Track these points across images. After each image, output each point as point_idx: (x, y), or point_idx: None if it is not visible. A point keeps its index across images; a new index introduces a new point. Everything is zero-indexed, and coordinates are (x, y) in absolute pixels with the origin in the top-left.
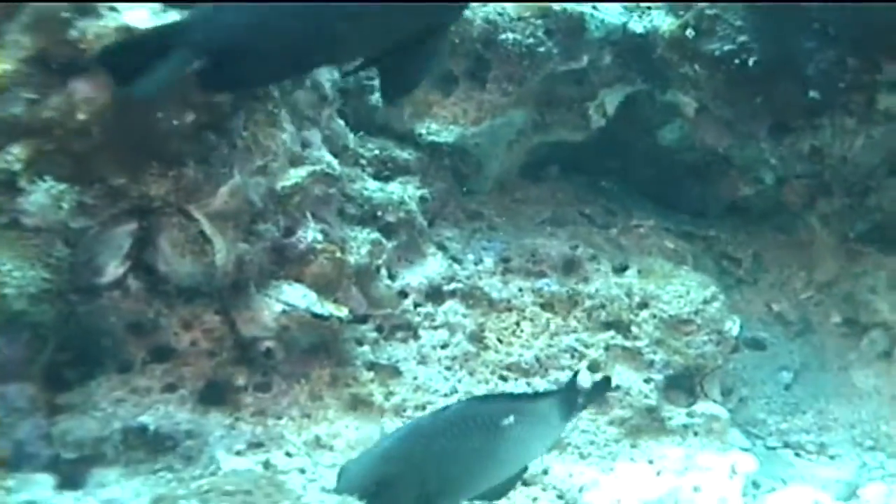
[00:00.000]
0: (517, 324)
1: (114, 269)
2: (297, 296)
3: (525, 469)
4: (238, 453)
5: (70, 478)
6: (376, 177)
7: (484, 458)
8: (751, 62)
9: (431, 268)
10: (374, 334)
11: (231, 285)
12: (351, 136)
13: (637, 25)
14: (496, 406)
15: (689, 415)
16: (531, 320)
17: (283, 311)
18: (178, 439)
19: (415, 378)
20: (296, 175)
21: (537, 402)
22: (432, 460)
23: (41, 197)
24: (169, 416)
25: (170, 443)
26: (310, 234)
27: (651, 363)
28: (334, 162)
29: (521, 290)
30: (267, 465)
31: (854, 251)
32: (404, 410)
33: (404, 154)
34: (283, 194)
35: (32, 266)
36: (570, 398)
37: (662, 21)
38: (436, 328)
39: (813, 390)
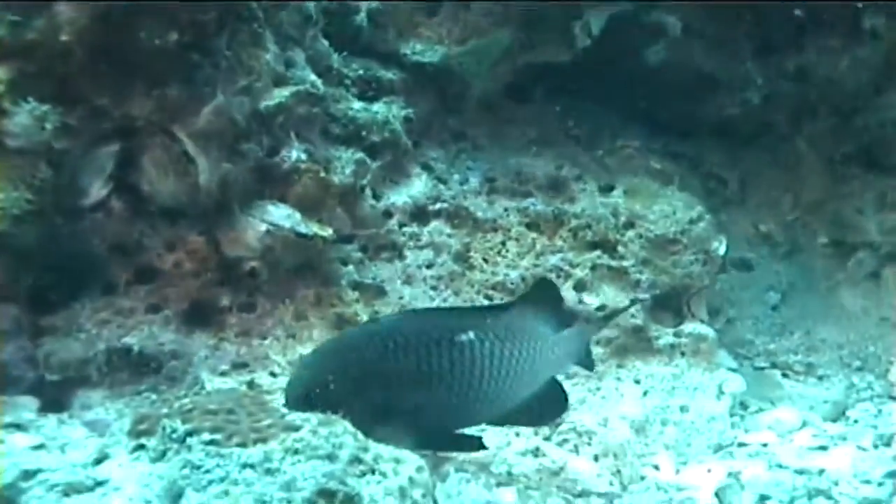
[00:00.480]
0: (503, 243)
1: (97, 191)
2: (281, 216)
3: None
4: (222, 374)
5: (54, 400)
6: (361, 97)
7: (438, 376)
8: None
9: (416, 188)
10: (359, 254)
11: (215, 205)
12: (335, 56)
13: None
14: (449, 320)
15: (676, 335)
16: (517, 240)
17: (268, 232)
18: (163, 360)
19: (400, 298)
20: (279, 95)
21: (503, 318)
22: (367, 371)
23: (25, 118)
24: (153, 336)
25: (154, 364)
26: (294, 153)
27: (637, 283)
28: (318, 82)
29: (506, 209)
30: (251, 385)
31: (841, 172)
32: None
33: (389, 74)
34: (266, 114)
35: (16, 187)
36: (558, 315)
37: None
38: (421, 248)
39: (800, 311)
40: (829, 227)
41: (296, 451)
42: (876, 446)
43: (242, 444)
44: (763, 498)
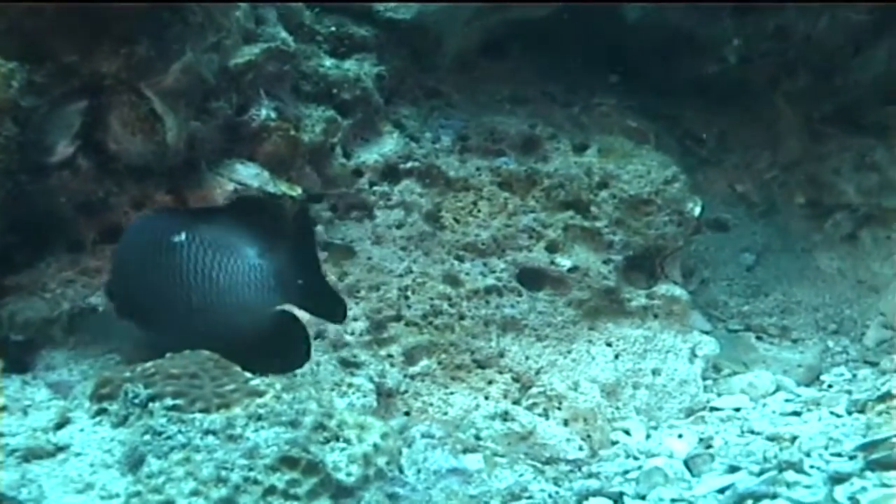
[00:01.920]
0: (474, 203)
1: (63, 148)
2: (249, 174)
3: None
4: None
5: (18, 360)
6: (332, 54)
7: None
8: None
9: (388, 146)
10: (329, 213)
11: (183, 164)
12: (307, 12)
13: None
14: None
15: (649, 296)
16: (489, 199)
17: (235, 191)
18: None
19: (369, 258)
20: (249, 52)
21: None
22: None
23: None
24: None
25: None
26: (263, 111)
27: (610, 244)
28: (289, 39)
29: (478, 168)
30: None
31: (819, 132)
32: (357, 291)
33: (361, 31)
34: (236, 71)
35: None
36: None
37: None
38: (391, 207)
39: (776, 272)
40: (807, 187)
41: (259, 417)
42: (849, 412)
43: (205, 410)
44: (733, 469)
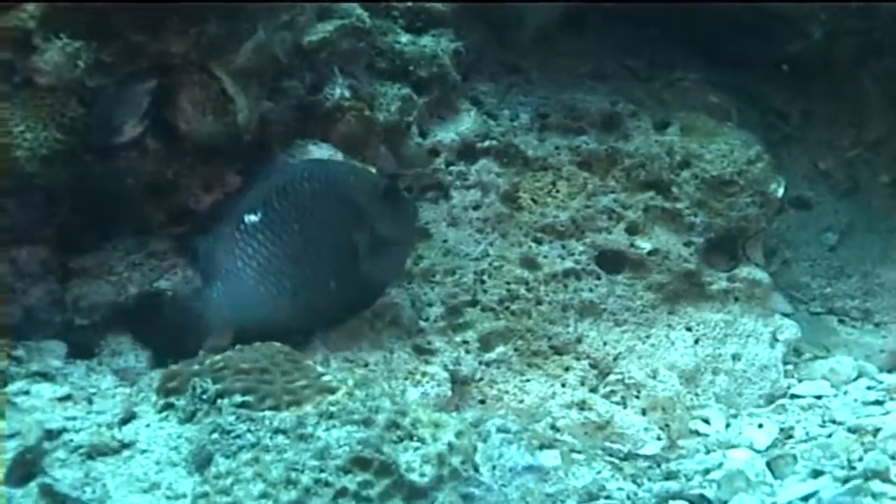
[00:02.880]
0: (553, 183)
1: (131, 129)
2: (322, 156)
3: None
4: None
5: (82, 345)
6: (408, 29)
7: None
8: None
9: (465, 124)
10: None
11: (254, 145)
12: None
13: None
14: None
15: (730, 279)
16: (567, 179)
17: None
18: None
19: (444, 241)
20: (323, 29)
21: None
22: None
23: (56, 55)
24: (188, 280)
25: None
26: (337, 90)
27: (691, 226)
28: (364, 14)
29: (557, 147)
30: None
31: None
32: (433, 276)
33: (438, 5)
34: (309, 49)
35: (45, 127)
36: None
37: None
38: (468, 188)
39: (859, 253)
40: (891, 166)
41: (331, 416)
42: None
43: (275, 407)
44: (816, 473)
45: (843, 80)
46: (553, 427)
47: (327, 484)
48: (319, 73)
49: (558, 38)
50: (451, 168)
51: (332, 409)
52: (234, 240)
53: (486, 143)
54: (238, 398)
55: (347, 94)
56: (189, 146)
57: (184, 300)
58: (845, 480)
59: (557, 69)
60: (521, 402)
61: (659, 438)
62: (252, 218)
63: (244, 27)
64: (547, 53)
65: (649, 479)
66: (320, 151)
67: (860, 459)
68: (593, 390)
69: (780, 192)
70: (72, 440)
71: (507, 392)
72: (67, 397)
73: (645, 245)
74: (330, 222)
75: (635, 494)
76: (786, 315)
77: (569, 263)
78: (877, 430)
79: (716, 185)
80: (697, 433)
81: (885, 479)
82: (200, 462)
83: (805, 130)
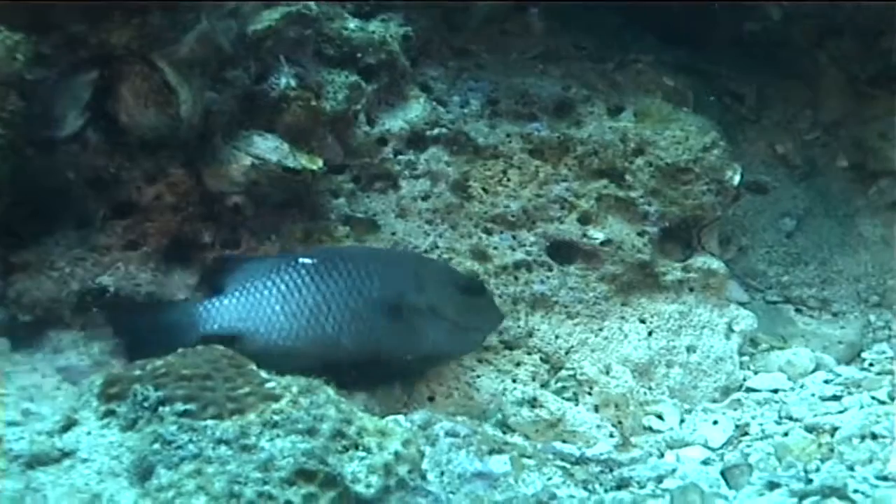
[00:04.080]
0: (504, 172)
1: (73, 121)
2: (268, 148)
3: None
4: None
5: (24, 341)
6: (357, 14)
7: None
8: None
9: (414, 111)
10: (351, 185)
11: (197, 137)
12: None
13: None
14: None
15: (685, 269)
16: (519, 168)
17: (253, 165)
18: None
19: (393, 233)
20: (269, 17)
21: None
22: None
23: None
24: (130, 276)
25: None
26: (283, 79)
27: (646, 215)
28: (311, 2)
29: (508, 135)
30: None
31: (864, 93)
32: None
33: None
34: (255, 38)
35: None
36: None
37: None
38: (417, 177)
39: (816, 239)
40: (850, 150)
41: (274, 425)
42: (892, 398)
43: (218, 416)
44: (772, 485)
45: (801, 62)
46: (504, 425)
47: (271, 497)
48: (265, 63)
49: (509, 19)
50: (400, 157)
51: (276, 417)
52: (277, 267)
53: (436, 131)
54: (180, 406)
55: (293, 83)
56: (131, 139)
57: (181, 302)
58: (802, 496)
59: (508, 52)
60: (471, 399)
61: (612, 436)
62: (306, 260)
63: (187, 17)
64: (498, 36)
65: (601, 485)
66: (266, 142)
67: (817, 470)
68: (545, 385)
69: (737, 179)
70: (11, 449)
71: (456, 389)
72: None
73: (598, 235)
74: (376, 287)
75: None
76: (742, 304)
77: (520, 255)
78: (834, 430)
79: (670, 173)
80: (651, 430)
81: (843, 497)
82: (142, 473)
83: (762, 112)
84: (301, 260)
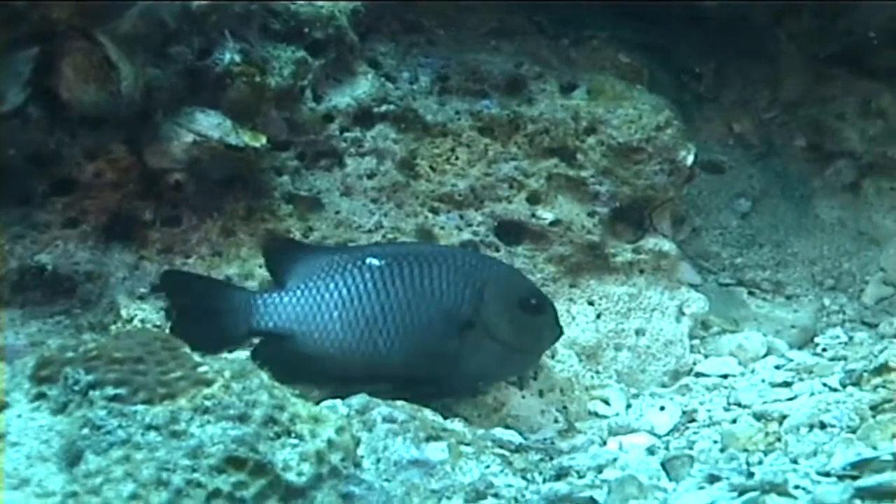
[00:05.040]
0: (452, 150)
1: (13, 97)
2: (210, 124)
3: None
4: (141, 297)
5: None
6: None
7: None
8: None
9: (362, 88)
10: (296, 162)
11: (139, 113)
12: None
13: None
14: None
15: (636, 251)
16: (468, 146)
17: (195, 142)
18: (77, 281)
19: (337, 212)
20: None
21: None
22: None
23: None
24: (69, 255)
25: (68, 284)
26: (227, 55)
27: (596, 195)
28: None
29: (458, 112)
30: (169, 312)
31: (823, 72)
32: None
33: None
34: (199, 13)
35: None
36: None
37: None
38: (363, 155)
39: (772, 220)
40: (808, 130)
41: (205, 411)
42: (843, 385)
43: (149, 401)
44: (712, 478)
45: (760, 39)
46: (446, 408)
47: (199, 485)
48: (209, 38)
49: None
50: (346, 134)
51: (207, 403)
52: (343, 266)
53: (384, 108)
54: (110, 390)
55: (238, 58)
56: (72, 115)
57: (241, 290)
58: (742, 491)
59: (461, 26)
60: None
61: (556, 421)
62: (373, 262)
63: None
64: (451, 9)
65: (540, 474)
66: (208, 119)
67: (760, 463)
68: None
69: (690, 159)
70: None
71: None
72: None
73: (546, 215)
74: (436, 302)
75: (523, 496)
76: (694, 286)
77: (466, 235)
78: (783, 418)
79: (623, 153)
80: (597, 415)
81: (783, 493)
82: (71, 458)
83: (719, 91)
84: (369, 261)
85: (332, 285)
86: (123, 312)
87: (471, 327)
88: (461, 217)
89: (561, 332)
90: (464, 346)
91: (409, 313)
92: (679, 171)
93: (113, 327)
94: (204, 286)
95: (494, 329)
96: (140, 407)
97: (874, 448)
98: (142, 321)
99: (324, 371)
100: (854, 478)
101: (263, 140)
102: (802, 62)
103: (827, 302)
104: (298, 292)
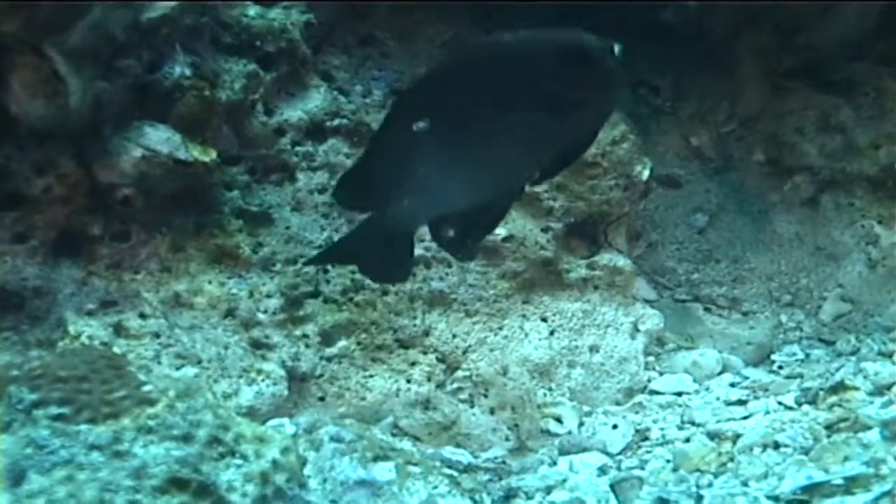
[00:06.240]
0: None
1: None
2: (159, 139)
3: None
4: (89, 313)
5: None
6: (258, 0)
7: None
8: None
9: (314, 101)
10: (246, 177)
11: (88, 128)
12: None
13: None
14: None
15: (590, 267)
16: None
17: (143, 157)
18: (26, 297)
19: (287, 227)
20: (164, 5)
21: None
22: None
23: None
24: (17, 270)
25: (16, 300)
26: (177, 68)
27: (550, 210)
28: None
29: None
30: (118, 329)
31: (781, 86)
32: (273, 264)
33: None
34: (149, 26)
35: None
36: None
37: None
38: (314, 169)
39: (729, 236)
40: (766, 144)
41: (149, 430)
42: (799, 403)
43: (92, 420)
44: (662, 501)
45: (718, 53)
46: (395, 427)
47: None
48: (159, 51)
49: (418, 6)
50: (298, 148)
51: (151, 423)
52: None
53: (336, 122)
54: (54, 410)
55: (188, 72)
56: (21, 129)
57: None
58: None
59: (415, 39)
60: (364, 399)
61: (507, 439)
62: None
63: (79, 4)
64: (405, 21)
65: (488, 495)
66: (157, 133)
67: (710, 485)
68: (440, 386)
69: (646, 174)
70: None
71: (348, 389)
72: None
73: (499, 231)
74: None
75: None
76: (649, 302)
77: (418, 250)
78: (737, 437)
79: (577, 167)
80: (549, 433)
81: None
82: (15, 478)
83: (677, 104)
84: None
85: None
86: (71, 329)
87: None
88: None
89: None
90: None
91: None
92: (634, 186)
93: (60, 344)
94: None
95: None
96: (84, 426)
97: (825, 472)
98: (89, 338)
99: None
100: (803, 502)
101: (213, 155)
102: (761, 76)
103: (784, 318)
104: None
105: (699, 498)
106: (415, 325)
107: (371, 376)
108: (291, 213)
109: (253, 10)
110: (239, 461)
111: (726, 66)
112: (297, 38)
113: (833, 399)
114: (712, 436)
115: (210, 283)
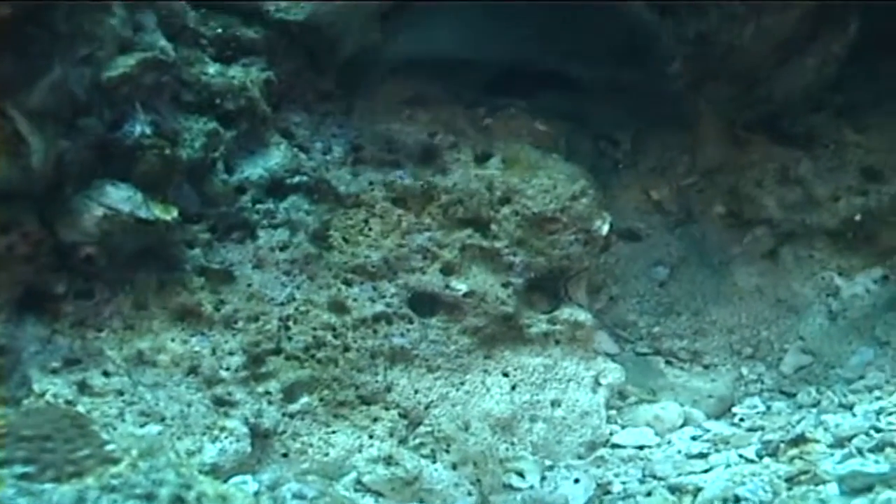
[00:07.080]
0: (365, 221)
1: None
2: (120, 198)
3: None
4: (53, 371)
5: None
6: (218, 58)
7: None
8: None
9: (274, 159)
10: (207, 235)
11: (49, 187)
12: (191, 13)
13: None
14: None
15: (551, 321)
16: (381, 217)
17: (105, 216)
18: None
19: (249, 285)
20: (124, 63)
21: None
22: None
23: None
24: None
25: None
26: (138, 127)
27: (511, 265)
28: (168, 47)
29: (371, 183)
30: (82, 387)
31: (741, 139)
32: (235, 322)
33: (250, 32)
34: (109, 85)
35: None
36: None
37: None
38: (275, 227)
39: (690, 288)
40: (726, 197)
41: (112, 489)
42: (760, 456)
43: (56, 479)
44: None
45: (678, 106)
46: (358, 482)
47: None
48: (120, 110)
49: (377, 62)
50: (259, 206)
51: (114, 482)
52: None
53: (296, 179)
54: (19, 469)
55: (149, 130)
56: None
57: None
58: None
59: (375, 95)
60: (327, 455)
61: (470, 494)
62: None
63: (39, 64)
64: (365, 80)
65: None
66: (118, 192)
67: None
68: (403, 442)
69: (606, 228)
70: None
71: (311, 445)
72: None
73: (461, 286)
74: None
75: None
76: (611, 356)
77: (380, 307)
78: (698, 491)
79: (537, 222)
80: (511, 487)
81: None
82: None
83: (637, 157)
84: None
85: None
86: (36, 387)
87: None
88: (374, 289)
89: None
90: None
91: None
92: (594, 241)
93: (25, 402)
94: None
95: None
96: (48, 485)
97: None
98: (54, 396)
99: None
100: None
101: (175, 213)
102: (720, 129)
103: (745, 371)
104: None
105: None
106: (377, 381)
107: (334, 432)
108: (253, 270)
109: (213, 69)
110: None
111: (686, 119)
112: (256, 95)
113: (794, 451)
114: (673, 489)
115: (173, 340)
